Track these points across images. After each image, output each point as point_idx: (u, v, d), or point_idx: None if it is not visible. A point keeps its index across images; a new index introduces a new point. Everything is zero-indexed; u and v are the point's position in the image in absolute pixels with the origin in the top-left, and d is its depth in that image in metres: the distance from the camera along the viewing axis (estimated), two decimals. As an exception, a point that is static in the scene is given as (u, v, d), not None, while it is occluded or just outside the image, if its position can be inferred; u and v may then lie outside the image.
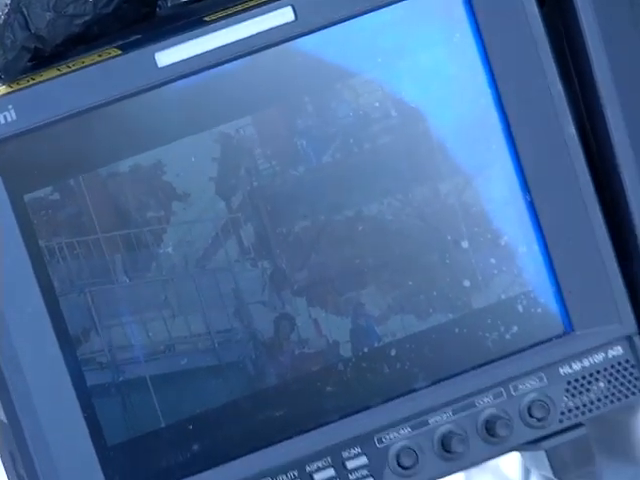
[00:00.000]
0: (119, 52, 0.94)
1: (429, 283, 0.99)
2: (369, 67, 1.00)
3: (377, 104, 1.00)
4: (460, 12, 1.02)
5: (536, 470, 1.20)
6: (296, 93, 0.99)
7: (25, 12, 0.96)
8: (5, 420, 0.95)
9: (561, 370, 0.99)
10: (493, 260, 1.01)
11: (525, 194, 1.02)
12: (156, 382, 0.95)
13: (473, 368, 0.99)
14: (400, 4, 1.01)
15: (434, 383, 0.97)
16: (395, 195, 1.00)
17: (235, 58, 0.96)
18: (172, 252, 0.96)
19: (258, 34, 0.95)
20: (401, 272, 1.00)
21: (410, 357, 0.99)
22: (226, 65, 0.96)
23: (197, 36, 0.96)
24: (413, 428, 0.97)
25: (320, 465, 0.96)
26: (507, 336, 1.00)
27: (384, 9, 1.01)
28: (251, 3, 0.97)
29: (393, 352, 0.98)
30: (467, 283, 0.99)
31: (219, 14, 0.95)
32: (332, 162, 0.98)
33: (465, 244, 0.99)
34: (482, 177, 1.03)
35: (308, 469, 0.95)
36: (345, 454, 0.96)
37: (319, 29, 0.97)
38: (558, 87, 0.99)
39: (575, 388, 1.00)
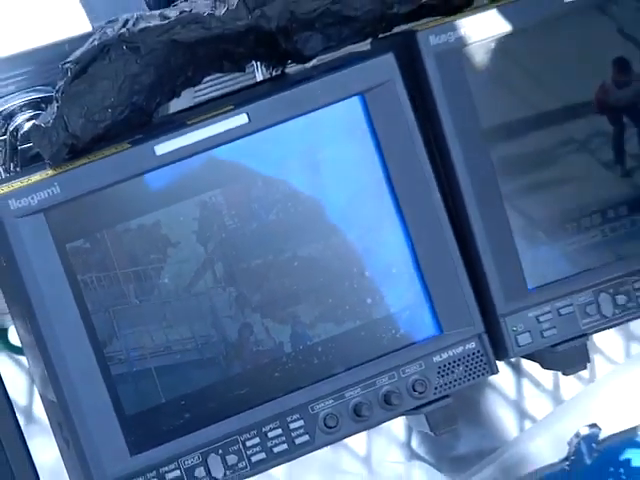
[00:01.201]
0: (129, 146, 1.22)
1: (343, 301, 1.28)
2: (291, 158, 1.27)
3: (298, 184, 1.26)
4: (360, 116, 1.29)
5: (417, 428, 1.45)
6: (250, 174, 1.25)
7: (65, 119, 1.19)
8: (55, 399, 1.21)
9: (434, 359, 1.28)
10: (387, 284, 1.30)
11: (407, 238, 1.31)
12: (158, 371, 1.23)
13: (374, 359, 1.29)
14: (313, 113, 1.28)
15: (348, 369, 1.26)
16: (319, 242, 1.27)
17: (209, 148, 1.24)
18: (168, 282, 1.24)
19: (225, 131, 1.22)
20: (324, 294, 1.28)
21: (331, 352, 1.28)
22: (203, 153, 1.21)
23: (182, 134, 1.23)
24: (335, 400, 1.26)
25: (272, 427, 1.24)
26: (397, 336, 1.29)
27: (299, 117, 1.28)
28: (219, 110, 1.26)
29: (320, 349, 1.26)
30: (369, 300, 1.27)
31: (197, 119, 1.24)
32: (276, 219, 1.27)
33: (367, 274, 1.28)
34: (378, 230, 1.32)
35: (264, 429, 1.24)
36: (289, 419, 1.25)
37: (264, 128, 1.23)
38: (428, 167, 1.30)
39: (444, 371, 1.29)
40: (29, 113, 1.31)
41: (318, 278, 1.28)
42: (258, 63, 1.38)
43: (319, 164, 1.31)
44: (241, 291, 1.26)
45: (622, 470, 1.23)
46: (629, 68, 1.39)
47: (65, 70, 1.19)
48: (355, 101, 1.27)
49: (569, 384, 1.48)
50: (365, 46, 1.35)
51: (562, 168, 1.36)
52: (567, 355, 1.35)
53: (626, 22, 1.39)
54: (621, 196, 1.37)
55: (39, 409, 1.33)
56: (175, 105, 1.35)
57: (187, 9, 1.23)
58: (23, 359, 1.38)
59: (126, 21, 1.23)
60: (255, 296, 1.27)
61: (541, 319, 1.32)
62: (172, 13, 1.23)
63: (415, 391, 1.28)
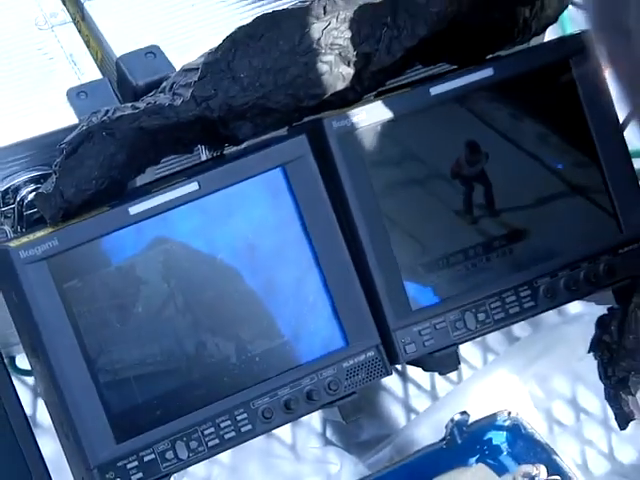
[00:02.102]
0: (108, 208, 1.42)
1: (274, 323, 1.50)
2: (222, 224, 1.49)
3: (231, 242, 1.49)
4: (283, 183, 1.50)
5: (330, 418, 1.65)
6: (198, 230, 1.50)
7: (61, 188, 1.39)
8: (57, 403, 1.41)
9: (343, 365, 1.48)
10: (307, 310, 1.52)
11: (322, 278, 1.51)
12: (136, 379, 1.41)
13: (299, 366, 1.49)
14: (248, 180, 1.49)
15: (279, 374, 1.45)
16: (254, 281, 1.49)
17: (170, 209, 1.45)
18: (141, 311, 1.45)
19: (182, 195, 1.44)
20: (259, 318, 1.50)
21: (266, 361, 1.47)
22: (164, 213, 1.44)
23: (149, 198, 1.43)
24: (270, 397, 1.46)
25: (223, 419, 1.44)
26: (316, 348, 1.49)
27: (237, 184, 1.49)
28: (176, 180, 1.47)
29: (257, 359, 1.46)
30: (294, 322, 1.49)
31: (159, 187, 1.45)
32: (220, 263, 1.51)
33: (292, 304, 1.51)
34: (299, 273, 1.54)
35: (217, 421, 1.43)
36: (235, 412, 1.44)
37: (211, 193, 1.45)
38: (335, 221, 1.52)
39: (351, 374, 1.50)
40: (32, 186, 1.49)
41: (254, 307, 1.50)
42: (203, 146, 1.55)
43: (251, 220, 1.51)
44: (197, 317, 1.47)
45: (485, 447, 1.44)
46: (479, 149, 1.58)
47: (61, 150, 1.40)
48: (278, 171, 1.47)
49: (443, 384, 1.71)
50: (284, 131, 1.53)
51: (434, 220, 1.57)
52: (442, 360, 1.55)
53: (478, 111, 1.59)
54: (476, 239, 1.57)
55: (41, 416, 1.54)
56: (141, 179, 1.55)
57: (152, 102, 1.42)
58: (27, 379, 1.57)
59: (106, 111, 1.41)
60: (207, 321, 1.48)
61: (422, 333, 1.52)
62: (140, 105, 1.41)
63: (330, 389, 1.50)
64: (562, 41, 1.67)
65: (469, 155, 1.57)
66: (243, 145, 1.51)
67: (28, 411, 1.55)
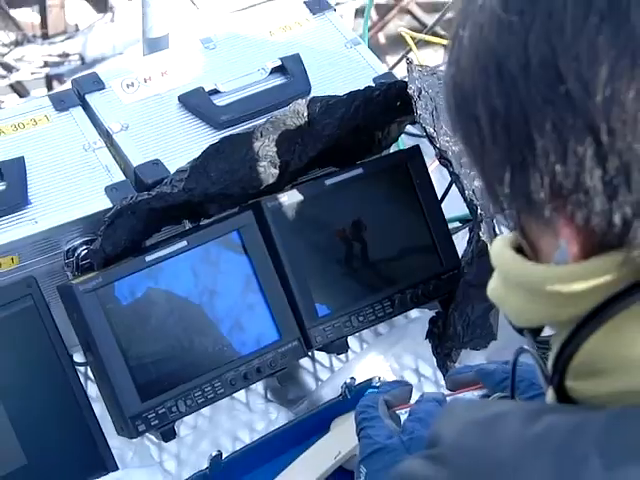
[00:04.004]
0: (132, 258, 1.47)
1: (237, 330, 1.57)
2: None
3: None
4: (238, 241, 1.55)
5: (271, 384, 1.67)
6: (185, 278, 1.53)
7: (104, 246, 1.45)
8: (104, 378, 1.44)
9: (279, 350, 1.56)
10: (254, 320, 1.57)
11: (266, 304, 1.57)
12: (152, 363, 1.48)
13: (252, 352, 1.55)
14: (216, 239, 1.53)
15: (240, 357, 1.53)
16: (223, 306, 1.55)
17: (168, 257, 1.48)
18: (153, 322, 1.51)
19: (177, 249, 1.48)
20: (226, 329, 1.54)
21: (231, 350, 1.54)
22: (165, 261, 1.48)
23: (158, 250, 1.48)
24: (234, 372, 1.50)
25: (206, 386, 1.50)
26: (262, 341, 1.56)
27: (209, 242, 1.53)
28: (171, 240, 1.51)
29: (225, 349, 1.53)
30: (247, 328, 1.55)
31: (164, 244, 1.49)
32: (200, 300, 1.55)
33: (244, 317, 1.57)
34: (249, 300, 1.58)
35: (202, 387, 1.49)
36: (213, 382, 1.50)
37: (196, 247, 1.49)
38: (273, 269, 1.56)
39: (283, 356, 1.56)
40: (84, 247, 1.51)
41: (224, 320, 1.57)
42: (187, 220, 1.59)
43: (218, 262, 1.58)
44: (187, 326, 1.55)
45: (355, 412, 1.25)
46: (373, 235, 1.65)
47: (103, 222, 1.46)
48: (235, 233, 1.55)
49: (337, 362, 1.74)
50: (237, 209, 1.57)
51: (330, 265, 1.64)
52: (337, 346, 1.63)
53: (354, 194, 1.65)
54: (356, 275, 1.65)
55: (91, 391, 1.54)
56: (149, 241, 1.55)
57: (158, 191, 1.46)
58: (81, 368, 1.56)
59: (130, 198, 1.46)
60: (194, 328, 1.55)
61: (325, 330, 1.60)
62: (151, 194, 1.46)
63: (271, 366, 1.57)
64: (402, 152, 1.75)
65: (352, 230, 1.65)
66: (212, 218, 1.57)
67: (82, 388, 1.54)
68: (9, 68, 6.43)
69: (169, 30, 2.06)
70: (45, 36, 6.70)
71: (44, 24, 6.66)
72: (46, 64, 6.50)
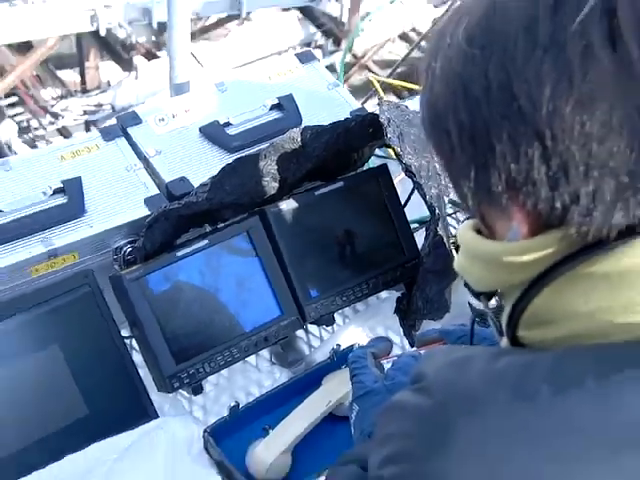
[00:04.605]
0: (167, 254, 1.43)
1: (252, 309, 1.52)
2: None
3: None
4: (247, 241, 1.50)
5: (275, 350, 1.65)
6: (205, 270, 1.49)
7: (145, 244, 1.42)
8: (147, 348, 1.41)
9: (281, 324, 1.52)
10: (262, 301, 1.52)
11: (270, 288, 1.52)
12: (183, 335, 1.44)
13: (261, 325, 1.51)
14: (229, 240, 1.50)
15: (253, 329, 1.50)
16: (237, 293, 1.50)
17: (193, 254, 1.45)
18: (182, 306, 1.46)
19: (199, 247, 1.44)
20: (243, 308, 1.53)
21: (245, 324, 1.50)
22: (192, 255, 1.44)
23: (186, 247, 1.44)
24: (247, 340, 1.48)
25: (226, 351, 1.46)
26: (268, 317, 1.52)
27: (224, 241, 1.48)
28: (195, 240, 1.46)
29: (241, 323, 1.49)
30: (259, 307, 1.50)
31: (188, 243, 1.46)
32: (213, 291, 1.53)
33: (256, 300, 1.52)
34: (257, 288, 1.54)
35: (223, 353, 1.46)
36: (231, 348, 1.46)
37: (215, 244, 1.44)
38: (276, 262, 1.52)
39: (285, 328, 1.52)
40: (129, 246, 1.49)
41: (237, 304, 1.53)
42: (207, 223, 1.54)
43: (233, 257, 1.53)
44: (212, 308, 1.51)
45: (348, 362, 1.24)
46: (352, 233, 1.62)
47: (145, 226, 1.44)
48: (245, 234, 1.51)
49: (325, 333, 1.70)
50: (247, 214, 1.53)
51: (323, 261, 1.59)
52: (325, 320, 1.60)
53: (336, 202, 1.60)
54: (342, 266, 1.61)
55: (135, 358, 1.46)
56: (178, 240, 1.49)
57: (185, 201, 1.44)
58: (126, 341, 1.47)
59: (164, 207, 1.44)
60: (216, 309, 1.51)
61: (317, 307, 1.57)
62: (180, 203, 1.44)
63: (275, 336, 1.54)
64: (373, 169, 1.72)
65: (343, 236, 1.64)
66: (227, 222, 1.54)
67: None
68: (56, 116, 6.44)
69: (190, 78, 2.06)
70: (84, 91, 6.73)
71: (83, 81, 6.69)
72: (85, 112, 6.52)
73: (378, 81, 1.96)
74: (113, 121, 1.65)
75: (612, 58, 0.57)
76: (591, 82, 0.57)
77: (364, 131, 1.58)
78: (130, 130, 1.61)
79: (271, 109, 1.65)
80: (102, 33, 5.73)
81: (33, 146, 6.13)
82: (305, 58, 1.76)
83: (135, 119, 1.62)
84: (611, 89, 0.57)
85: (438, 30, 0.69)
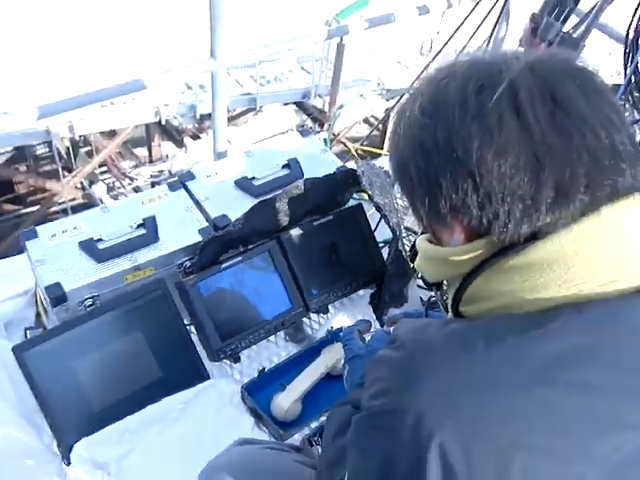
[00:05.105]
0: (215, 266, 1.37)
1: (264, 308, 1.46)
2: None
3: None
4: (269, 258, 1.44)
5: (288, 332, 1.57)
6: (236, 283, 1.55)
7: (200, 260, 1.37)
8: (202, 332, 1.37)
9: (291, 313, 1.47)
10: (277, 300, 1.46)
11: (284, 287, 1.46)
12: (226, 322, 1.40)
13: (278, 314, 1.46)
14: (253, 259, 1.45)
15: (272, 318, 1.44)
16: (263, 292, 1.44)
17: (230, 267, 1.40)
18: (226, 304, 1.41)
19: (233, 262, 1.39)
20: (257, 305, 1.45)
21: (266, 315, 1.45)
22: (229, 269, 1.42)
23: (225, 262, 1.39)
24: (268, 325, 1.43)
25: (254, 333, 1.42)
26: (282, 309, 1.47)
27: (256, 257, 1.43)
28: (232, 259, 1.41)
29: (263, 314, 1.43)
30: (275, 303, 1.46)
31: (228, 261, 1.40)
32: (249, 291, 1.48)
33: (271, 299, 1.46)
34: (273, 287, 1.47)
35: (254, 333, 1.41)
36: (259, 330, 1.42)
37: (246, 260, 1.40)
38: (289, 272, 1.47)
39: (294, 316, 1.48)
40: (188, 262, 1.44)
41: (262, 301, 1.47)
42: (240, 245, 1.47)
43: (258, 271, 1.46)
44: (245, 306, 1.44)
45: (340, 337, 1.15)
46: (339, 250, 1.57)
47: (199, 247, 1.41)
48: (267, 253, 1.47)
49: (322, 319, 1.62)
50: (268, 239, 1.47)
51: (321, 268, 1.52)
52: (323, 309, 1.57)
53: (328, 229, 1.54)
54: (336, 270, 1.54)
55: (194, 339, 1.36)
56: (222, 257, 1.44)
57: (226, 231, 1.40)
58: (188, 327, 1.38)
59: (213, 234, 1.41)
60: (248, 307, 1.45)
61: (316, 301, 1.50)
62: (222, 231, 1.41)
63: (288, 322, 1.51)
64: (353, 206, 1.64)
65: (328, 245, 1.57)
66: (254, 245, 1.50)
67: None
68: (132, 179, 6.41)
69: (226, 148, 2.05)
70: (150, 162, 6.70)
71: (150, 155, 6.67)
72: (151, 176, 6.49)
73: (354, 149, 1.94)
74: (175, 179, 1.62)
75: (517, 123, 0.58)
76: (504, 138, 0.58)
77: (346, 181, 1.57)
78: (187, 183, 1.59)
79: (282, 167, 1.63)
80: (163, 122, 5.75)
81: (115, 198, 6.11)
82: (304, 133, 1.75)
83: (191, 176, 1.60)
84: (517, 143, 0.58)
85: (400, 107, 0.69)
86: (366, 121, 7.00)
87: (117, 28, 5.40)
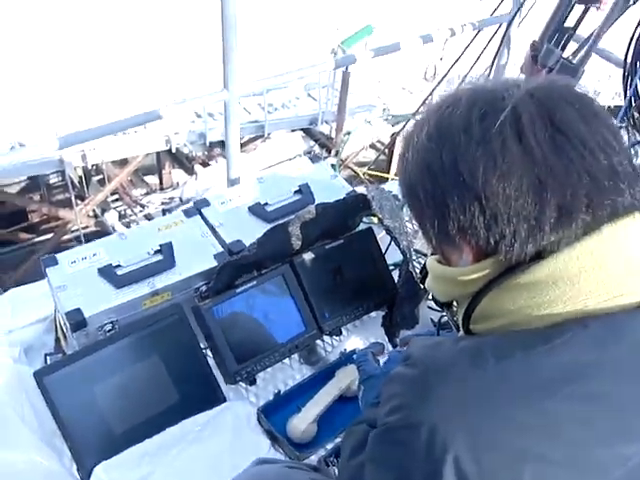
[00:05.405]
0: (230, 290, 1.39)
1: (279, 333, 1.46)
2: None
3: None
4: (282, 280, 1.45)
5: (302, 354, 1.57)
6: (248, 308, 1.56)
7: (216, 285, 1.37)
8: (218, 355, 1.38)
9: (305, 336, 1.47)
10: (294, 324, 1.46)
11: (298, 312, 1.47)
12: (242, 344, 1.40)
13: (293, 337, 1.46)
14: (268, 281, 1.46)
15: (287, 341, 1.45)
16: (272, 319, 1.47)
17: (245, 291, 1.41)
18: (239, 329, 1.42)
19: (248, 287, 1.40)
20: (274, 332, 1.46)
21: (283, 338, 1.46)
22: (244, 293, 1.44)
23: (240, 286, 1.41)
24: (283, 348, 1.44)
25: (270, 357, 1.42)
26: (298, 332, 1.47)
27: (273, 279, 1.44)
28: (246, 283, 1.42)
29: (279, 339, 1.44)
30: (292, 329, 1.50)
31: (242, 284, 1.42)
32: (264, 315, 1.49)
33: (284, 328, 1.49)
34: (289, 315, 1.48)
35: (269, 357, 1.41)
36: (274, 353, 1.43)
37: (261, 284, 1.41)
38: (302, 294, 1.48)
39: (309, 338, 1.48)
40: (204, 286, 1.43)
41: (276, 324, 1.48)
42: (254, 270, 1.47)
43: (270, 295, 1.48)
44: (260, 332, 1.45)
45: (354, 359, 1.19)
46: (351, 273, 1.56)
47: (215, 272, 1.41)
48: (281, 277, 1.48)
49: (336, 341, 1.61)
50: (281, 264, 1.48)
51: (331, 290, 1.52)
52: (336, 332, 1.57)
53: (338, 252, 1.53)
54: (344, 292, 1.53)
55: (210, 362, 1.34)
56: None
57: (241, 255, 1.43)
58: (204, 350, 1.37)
59: (227, 260, 1.42)
60: (263, 331, 1.46)
61: (329, 323, 1.51)
62: (237, 256, 1.43)
63: (302, 344, 1.48)
64: (363, 230, 1.66)
65: (340, 268, 1.57)
66: (268, 269, 1.51)
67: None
68: (143, 206, 6.47)
69: (239, 175, 2.07)
70: (161, 189, 6.76)
71: (161, 183, 6.73)
72: (162, 203, 6.55)
73: (362, 173, 1.95)
74: (190, 205, 1.64)
75: (519, 148, 0.60)
76: (507, 163, 0.60)
77: (357, 205, 1.59)
78: (202, 210, 1.61)
79: (294, 193, 1.65)
80: (173, 150, 5.82)
81: (127, 225, 6.15)
82: (314, 159, 1.77)
83: (205, 202, 1.62)
84: (520, 166, 0.60)
85: (407, 133, 0.71)
86: (372, 146, 7.08)
87: (126, 59, 5.48)
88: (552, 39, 1.56)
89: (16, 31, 5.53)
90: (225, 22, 1.67)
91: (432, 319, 1.59)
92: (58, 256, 1.45)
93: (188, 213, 1.59)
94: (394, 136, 6.13)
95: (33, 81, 5.06)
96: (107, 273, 1.40)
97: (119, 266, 1.43)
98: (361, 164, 6.87)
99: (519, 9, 1.93)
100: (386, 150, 5.74)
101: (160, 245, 1.47)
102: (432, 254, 0.74)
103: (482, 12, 2.36)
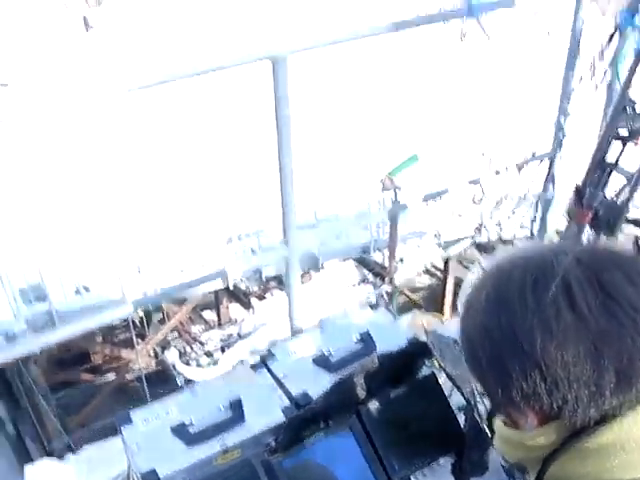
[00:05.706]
0: (299, 443, 1.45)
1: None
2: None
3: None
4: (350, 437, 1.53)
5: None
6: None
7: (284, 439, 1.42)
8: None
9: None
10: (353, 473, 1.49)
11: (365, 458, 1.50)
12: None
13: None
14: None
15: None
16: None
17: (315, 443, 1.49)
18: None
19: (315, 437, 1.47)
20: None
21: None
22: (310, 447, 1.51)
23: (306, 442, 1.52)
24: None
25: None
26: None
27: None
28: (309, 438, 1.53)
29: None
30: None
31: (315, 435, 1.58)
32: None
33: None
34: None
35: None
36: None
37: (332, 436, 1.58)
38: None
39: None
40: (273, 440, 1.45)
41: (345, 474, 1.47)
42: (322, 422, 1.47)
43: (340, 449, 1.48)
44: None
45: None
46: (416, 421, 1.56)
47: (282, 427, 1.44)
48: (348, 429, 1.48)
49: None
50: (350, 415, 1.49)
51: (401, 441, 1.52)
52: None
53: (406, 403, 1.55)
54: (416, 447, 1.53)
55: None
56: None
57: (307, 408, 1.46)
58: None
59: (293, 414, 1.47)
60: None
61: (400, 475, 1.49)
62: (304, 410, 1.46)
63: None
64: (426, 376, 1.64)
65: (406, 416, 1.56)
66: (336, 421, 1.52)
67: None
68: (202, 343, 6.55)
69: (303, 325, 2.12)
70: (219, 324, 6.87)
71: (219, 319, 6.85)
72: (221, 340, 6.63)
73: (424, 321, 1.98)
74: (257, 358, 1.71)
75: (573, 317, 0.64)
76: (562, 332, 0.64)
77: (417, 352, 1.63)
78: (268, 362, 1.68)
79: (356, 342, 1.71)
80: (230, 287, 5.97)
81: (187, 363, 6.21)
82: (374, 307, 1.86)
83: (272, 357, 1.70)
84: (575, 334, 0.63)
85: (468, 298, 0.75)
86: (426, 271, 7.12)
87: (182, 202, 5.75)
88: (594, 181, 1.58)
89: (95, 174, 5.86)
90: (282, 173, 1.72)
91: (502, 465, 1.55)
92: (132, 414, 1.52)
93: (255, 367, 1.66)
94: (447, 260, 6.17)
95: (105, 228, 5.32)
96: (180, 432, 1.47)
97: (191, 424, 1.48)
98: (415, 290, 6.88)
99: (560, 146, 1.94)
100: (440, 275, 5.75)
101: (230, 401, 1.53)
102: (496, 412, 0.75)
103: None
